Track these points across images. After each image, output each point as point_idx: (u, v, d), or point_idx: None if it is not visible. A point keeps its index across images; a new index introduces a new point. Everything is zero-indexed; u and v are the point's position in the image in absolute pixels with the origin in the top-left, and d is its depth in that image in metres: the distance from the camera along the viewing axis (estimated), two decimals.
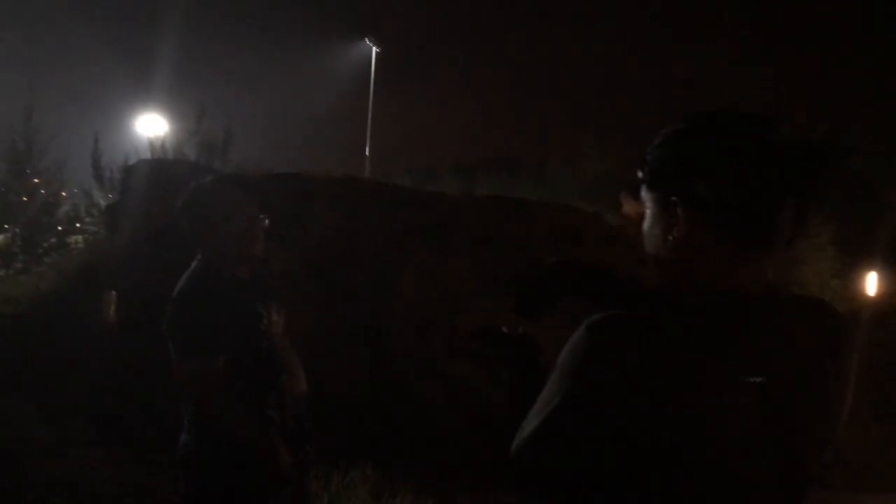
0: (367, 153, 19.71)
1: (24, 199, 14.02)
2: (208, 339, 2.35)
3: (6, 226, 13.82)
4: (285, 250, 8.10)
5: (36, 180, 14.60)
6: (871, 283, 11.06)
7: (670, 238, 1.18)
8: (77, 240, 13.70)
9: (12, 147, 13.76)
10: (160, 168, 10.47)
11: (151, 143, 13.95)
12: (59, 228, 14.43)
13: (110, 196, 11.64)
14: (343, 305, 7.36)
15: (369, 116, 20.57)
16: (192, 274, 2.50)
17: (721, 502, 1.09)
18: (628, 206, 1.29)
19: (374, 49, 21.66)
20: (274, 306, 2.62)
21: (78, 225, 14.50)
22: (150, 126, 17.14)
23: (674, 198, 1.17)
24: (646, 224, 1.24)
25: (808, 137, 1.17)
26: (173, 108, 17.28)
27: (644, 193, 1.24)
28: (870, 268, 11.30)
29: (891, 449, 8.00)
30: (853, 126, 17.49)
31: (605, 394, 1.08)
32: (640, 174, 1.23)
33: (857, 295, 10.94)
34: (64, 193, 15.50)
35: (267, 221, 2.54)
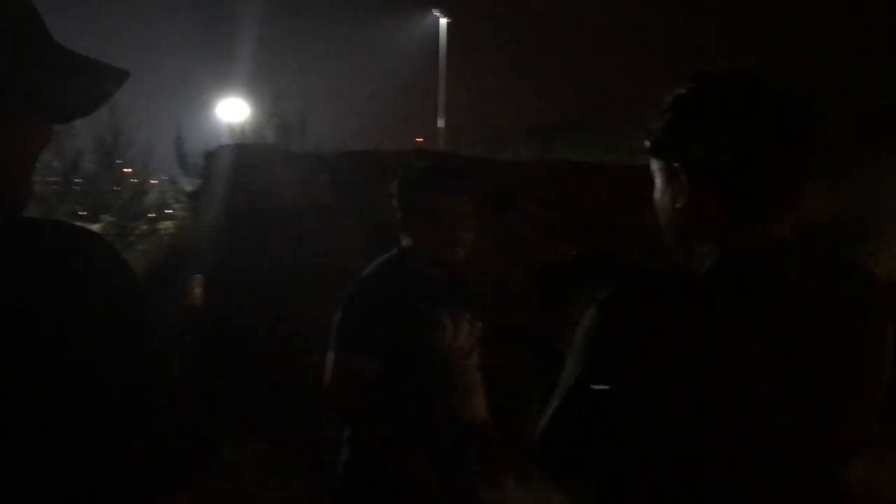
0: (440, 125, 19.72)
1: (115, 188, 14.63)
2: (370, 338, 2.13)
3: (103, 215, 14.47)
4: (359, 226, 8.25)
5: (128, 169, 15.21)
6: None
7: (677, 206, 1.18)
8: (167, 226, 14.24)
9: (100, 139, 14.39)
10: (239, 152, 10.77)
11: (231, 128, 14.33)
12: (152, 215, 15.03)
13: (194, 182, 12.02)
14: None
15: (441, 88, 20.55)
16: (383, 262, 2.28)
17: (743, 473, 1.08)
18: None
19: (443, 19, 21.61)
20: (467, 318, 2.32)
21: (169, 211, 15.07)
22: (231, 110, 17.55)
23: (676, 164, 1.18)
24: (655, 194, 1.25)
25: (800, 92, 1.14)
26: (253, 92, 17.66)
27: (652, 163, 1.25)
28: None
29: None
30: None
31: (619, 369, 1.10)
32: (645, 144, 1.23)
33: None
34: (154, 181, 16.11)
35: (478, 224, 2.29)
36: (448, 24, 21.80)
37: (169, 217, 14.94)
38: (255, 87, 17.97)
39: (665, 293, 1.13)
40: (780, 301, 1.10)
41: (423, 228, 2.25)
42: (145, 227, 14.59)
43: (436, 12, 21.62)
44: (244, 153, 10.70)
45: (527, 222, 8.20)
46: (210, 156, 11.30)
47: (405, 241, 2.31)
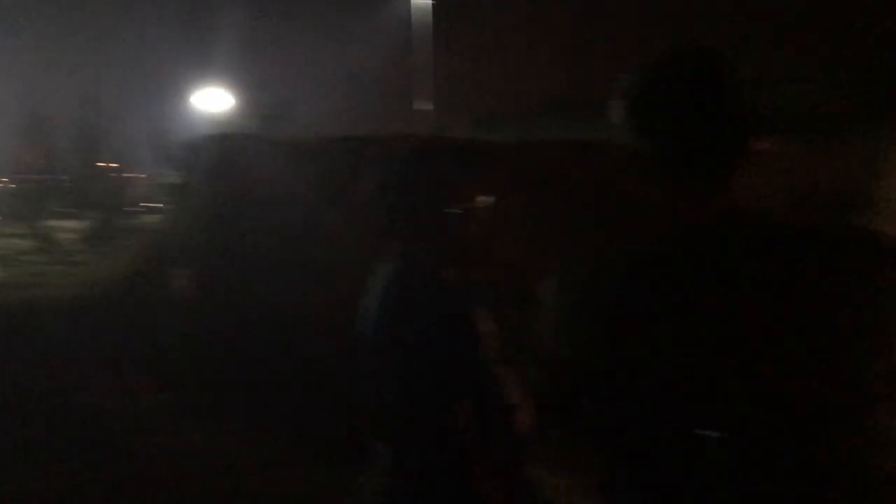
0: (430, 107, 19.55)
1: (99, 184, 14.49)
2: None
3: (87, 211, 14.32)
4: (344, 213, 8.09)
5: (113, 164, 15.08)
6: None
7: (634, 185, 1.25)
8: (153, 219, 14.10)
9: (80, 135, 14.21)
10: (222, 143, 10.58)
11: (213, 118, 14.17)
12: (141, 206, 14.89)
13: (178, 175, 11.85)
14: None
15: (430, 69, 20.37)
16: (405, 286, 1.84)
17: None
18: None
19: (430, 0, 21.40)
20: (486, 315, 1.97)
21: (160, 205, 14.93)
22: (212, 101, 17.34)
23: (629, 147, 1.24)
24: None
25: (719, 60, 1.19)
26: (234, 82, 17.43)
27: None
28: None
29: None
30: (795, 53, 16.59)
31: (581, 339, 1.21)
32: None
33: None
34: (144, 175, 15.98)
35: (491, 202, 1.90)
36: (434, 4, 21.61)
37: (155, 211, 14.80)
38: (236, 76, 17.76)
39: (619, 267, 1.20)
40: (723, 275, 1.14)
41: (433, 224, 1.82)
42: (132, 221, 14.45)
43: None
44: (226, 143, 10.52)
45: (518, 205, 8.05)
46: (192, 147, 11.13)
47: (408, 248, 1.87)
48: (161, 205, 14.47)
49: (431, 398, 1.84)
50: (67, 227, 14.23)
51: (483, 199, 1.89)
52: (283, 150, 9.88)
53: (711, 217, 1.18)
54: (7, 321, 7.90)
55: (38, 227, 14.04)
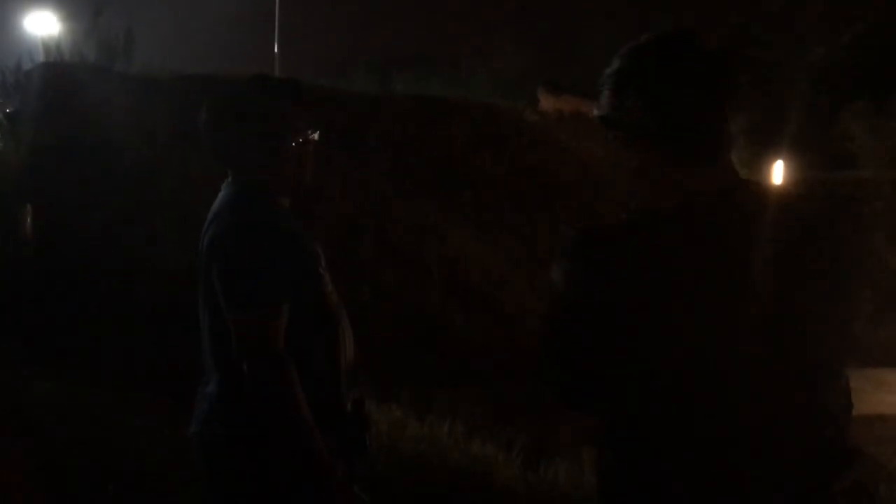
0: (275, 50, 18.97)
1: None
2: (273, 281, 1.87)
3: None
4: (202, 155, 7.88)
5: None
6: (778, 172, 11.50)
7: (631, 167, 1.32)
8: None
9: None
10: (59, 72, 9.93)
11: (45, 45, 13.13)
12: None
13: (3, 102, 10.94)
14: None
15: (276, 10, 19.75)
16: (236, 204, 1.96)
17: (713, 395, 1.19)
18: (546, 102, 1.41)
19: None
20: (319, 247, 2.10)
21: None
22: (42, 25, 15.98)
23: (620, 132, 1.31)
24: (620, 158, 1.35)
25: (722, 47, 1.28)
26: (66, 5, 16.14)
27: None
28: (776, 157, 11.73)
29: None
30: (759, 16, 17.82)
31: (600, 295, 1.23)
32: (596, 114, 1.35)
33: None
34: None
35: (316, 136, 2.05)
36: None
37: None
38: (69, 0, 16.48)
39: (633, 230, 1.27)
40: (730, 235, 1.22)
41: (273, 152, 1.97)
42: None
43: None
44: (63, 73, 9.88)
45: (378, 163, 8.14)
46: (27, 76, 10.36)
47: (241, 175, 2.00)
48: None
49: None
50: None
51: (312, 136, 2.03)
52: (131, 85, 9.42)
53: (714, 186, 1.25)
54: None
55: None
